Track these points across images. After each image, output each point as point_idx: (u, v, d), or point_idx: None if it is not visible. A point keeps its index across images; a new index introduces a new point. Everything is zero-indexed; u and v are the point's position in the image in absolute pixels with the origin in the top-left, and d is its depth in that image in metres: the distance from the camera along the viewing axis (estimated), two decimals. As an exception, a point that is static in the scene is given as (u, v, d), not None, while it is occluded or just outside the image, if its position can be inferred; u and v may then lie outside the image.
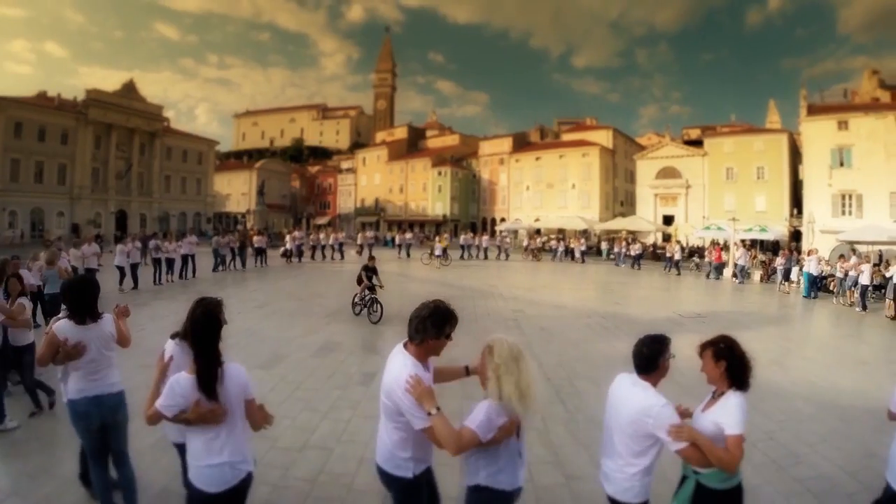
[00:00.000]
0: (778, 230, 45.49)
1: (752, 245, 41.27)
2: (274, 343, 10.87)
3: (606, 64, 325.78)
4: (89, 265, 17.17)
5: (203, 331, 3.25)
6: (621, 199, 70.51)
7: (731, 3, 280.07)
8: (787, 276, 24.65)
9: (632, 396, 3.23)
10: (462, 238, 41.11)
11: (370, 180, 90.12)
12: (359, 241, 38.44)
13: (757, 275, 28.42)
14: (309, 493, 5.05)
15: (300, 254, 32.38)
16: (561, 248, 40.18)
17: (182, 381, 3.14)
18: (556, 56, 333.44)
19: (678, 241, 40.00)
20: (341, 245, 35.56)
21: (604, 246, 43.53)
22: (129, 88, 63.87)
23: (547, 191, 70.63)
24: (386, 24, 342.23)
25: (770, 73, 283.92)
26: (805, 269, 22.35)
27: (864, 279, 18.76)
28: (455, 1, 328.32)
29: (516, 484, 3.14)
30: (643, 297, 20.99)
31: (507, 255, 39.40)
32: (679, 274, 30.54)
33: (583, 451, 6.09)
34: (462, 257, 36.58)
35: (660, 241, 47.52)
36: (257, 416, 3.39)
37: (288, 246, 31.49)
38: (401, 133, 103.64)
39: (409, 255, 36.62)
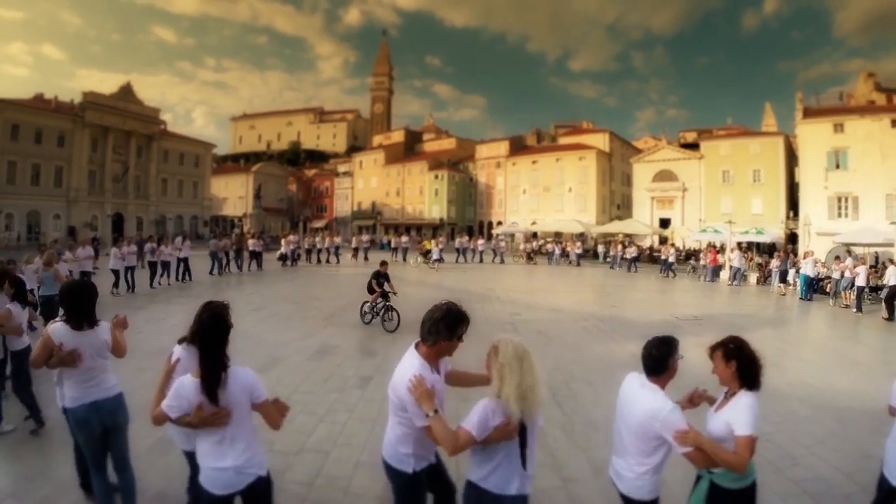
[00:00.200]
0: (774, 233, 45.70)
1: (749, 247, 41.39)
2: (270, 346, 10.84)
3: (603, 67, 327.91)
4: (84, 268, 17.15)
5: (209, 334, 3.27)
6: (618, 203, 70.66)
7: (727, 6, 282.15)
8: (783, 279, 24.69)
9: (640, 398, 3.25)
10: (458, 241, 41.11)
11: (367, 184, 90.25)
12: (353, 245, 38.28)
13: (753, 277, 28.46)
14: (305, 497, 5.03)
15: (296, 258, 32.24)
16: (557, 252, 40.17)
17: (186, 384, 3.17)
18: (552, 60, 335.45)
19: (673, 244, 40.01)
20: (337, 248, 35.47)
21: (600, 249, 43.56)
22: (126, 91, 63.93)
23: (544, 194, 70.74)
24: (383, 28, 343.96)
25: (766, 76, 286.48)
26: (801, 272, 22.37)
27: (861, 281, 18.80)
28: (452, 5, 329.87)
29: (507, 490, 3.03)
30: (640, 300, 21.00)
31: (503, 259, 39.41)
32: (674, 276, 30.54)
33: (580, 454, 6.08)
34: (457, 261, 36.51)
35: (656, 245, 47.52)
36: (273, 414, 3.40)
37: (283, 250, 31.37)
38: (398, 137, 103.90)
39: (405, 258, 36.54)
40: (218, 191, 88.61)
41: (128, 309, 15.22)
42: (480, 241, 41.72)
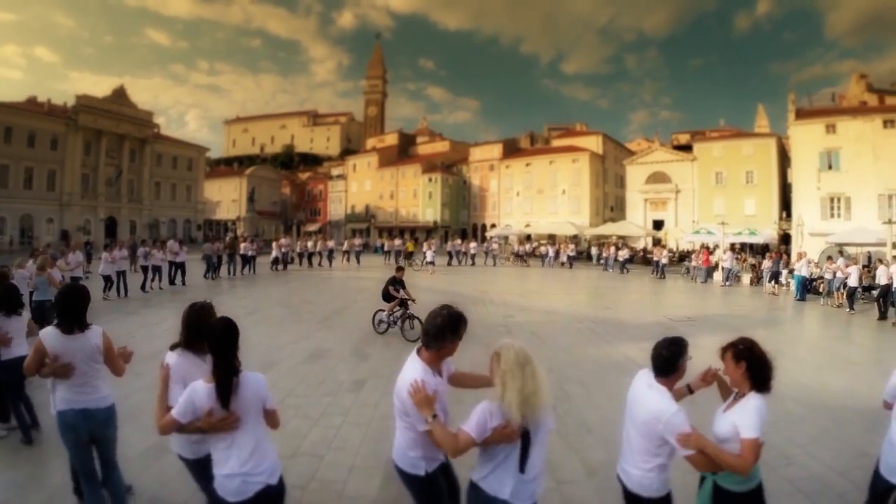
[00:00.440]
0: (767, 233, 45.88)
1: (743, 248, 41.50)
2: (264, 350, 10.81)
3: (596, 70, 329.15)
4: (74, 274, 16.95)
5: (222, 341, 3.27)
6: (611, 205, 70.77)
7: (719, 8, 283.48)
8: (774, 279, 24.78)
9: (647, 399, 3.26)
10: (449, 244, 41.10)
11: (361, 187, 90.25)
12: (345, 248, 38.16)
13: (747, 278, 28.53)
14: (300, 501, 5.01)
15: (288, 261, 32.04)
16: (551, 253, 40.22)
17: (199, 390, 3.19)
18: (546, 62, 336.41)
19: (664, 246, 40.10)
20: (331, 252, 35.39)
21: (594, 251, 43.64)
22: (120, 94, 63.90)
23: (537, 196, 70.84)
24: (377, 31, 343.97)
25: (758, 77, 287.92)
26: (796, 273, 22.47)
27: (853, 281, 18.90)
28: (445, 7, 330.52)
29: (500, 494, 3.01)
30: (633, 302, 21.04)
31: (496, 262, 39.48)
32: (663, 278, 30.60)
33: (574, 456, 6.07)
34: (449, 264, 36.51)
35: (650, 246, 47.63)
36: (273, 422, 3.51)
37: (275, 253, 31.21)
38: (391, 140, 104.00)
39: (398, 261, 36.42)
40: (211, 194, 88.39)
41: (120, 313, 15.20)
42: (472, 244, 41.72)
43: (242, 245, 28.92)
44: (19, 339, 6.28)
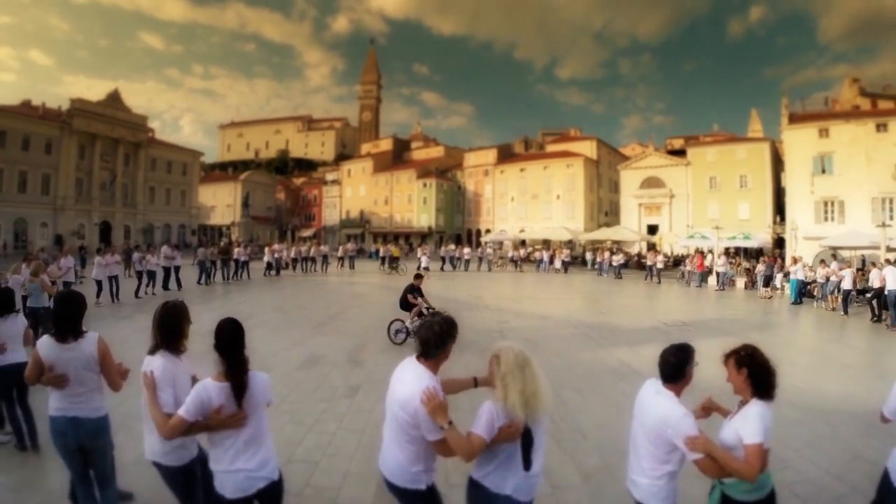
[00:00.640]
0: (761, 237, 46.00)
1: (737, 253, 41.62)
2: (259, 356, 10.68)
3: (590, 75, 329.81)
4: (66, 279, 16.63)
5: (233, 341, 3.37)
6: (606, 210, 70.94)
7: (713, 13, 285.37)
8: (767, 283, 24.87)
9: (655, 405, 3.27)
10: (443, 250, 41.13)
11: (355, 192, 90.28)
12: (339, 254, 38.12)
13: (741, 282, 28.62)
14: (294, 507, 4.99)
15: (282, 267, 31.89)
16: (545, 259, 40.30)
17: (210, 388, 3.25)
18: (540, 67, 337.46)
19: (658, 251, 40.23)
20: (325, 257, 35.34)
21: (588, 256, 43.73)
22: (114, 98, 63.93)
23: (532, 202, 71.02)
24: (371, 36, 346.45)
25: (752, 82, 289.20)
26: (792, 277, 22.56)
27: (847, 284, 18.95)
28: (440, 13, 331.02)
29: (503, 490, 3.10)
30: (627, 307, 21.08)
31: (490, 267, 39.54)
32: (659, 282, 30.73)
33: (568, 461, 6.06)
34: (443, 269, 36.52)
35: (644, 251, 47.73)
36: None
37: (267, 259, 31.09)
38: (386, 145, 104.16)
39: (401, 267, 36.34)
40: (206, 199, 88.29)
41: (114, 318, 15.15)
42: (466, 250, 41.81)
43: (236, 250, 28.88)
44: (15, 345, 6.11)
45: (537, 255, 42.80)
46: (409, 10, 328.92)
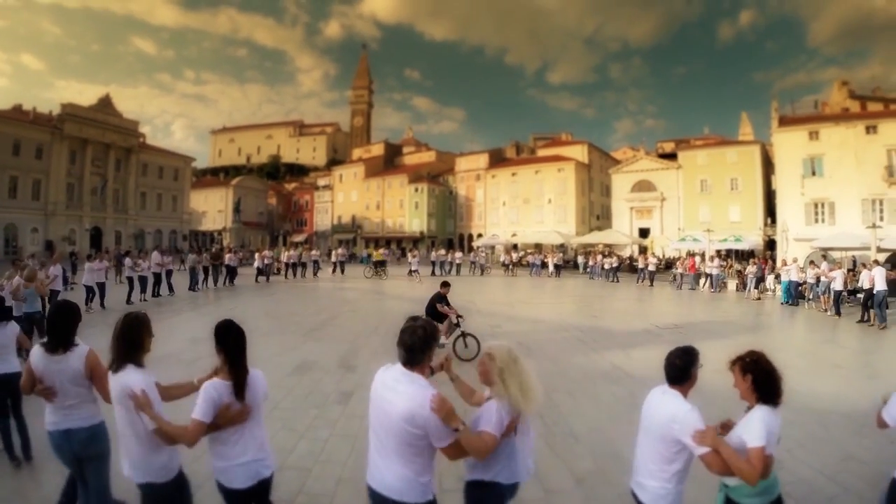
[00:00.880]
0: (752, 240, 46.27)
1: (728, 255, 41.80)
2: (250, 362, 10.69)
3: (581, 79, 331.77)
4: (53, 287, 16.06)
5: (238, 341, 3.61)
6: (597, 213, 71.12)
7: (703, 18, 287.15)
8: (757, 285, 24.98)
9: (662, 404, 3.31)
10: (433, 254, 41.15)
11: (347, 197, 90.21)
12: (333, 259, 38.07)
13: (732, 284, 28.72)
14: (286, 514, 4.96)
15: (268, 273, 31.70)
16: (537, 262, 40.38)
17: (219, 387, 3.42)
18: (531, 72, 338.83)
19: (653, 254, 40.36)
20: (316, 263, 35.27)
21: (580, 260, 43.82)
22: (105, 103, 63.71)
23: (523, 206, 71.14)
24: (363, 41, 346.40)
25: (742, 86, 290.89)
26: (784, 279, 22.67)
27: (838, 285, 19.05)
28: (431, 18, 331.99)
29: (513, 479, 3.28)
30: (620, 310, 21.09)
31: (483, 271, 39.56)
32: (651, 285, 30.86)
33: (561, 465, 6.06)
34: (433, 273, 36.54)
35: (636, 254, 47.86)
36: None
37: (257, 264, 30.96)
38: (377, 150, 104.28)
39: (385, 272, 36.25)
40: (197, 205, 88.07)
41: (105, 325, 15.02)
42: (458, 254, 41.89)
43: (227, 256, 28.81)
44: (7, 355, 5.98)
45: (530, 258, 42.85)
46: (400, 16, 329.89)
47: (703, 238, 37.46)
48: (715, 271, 28.41)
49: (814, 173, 43.73)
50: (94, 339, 4.58)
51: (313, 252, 37.60)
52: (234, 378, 3.48)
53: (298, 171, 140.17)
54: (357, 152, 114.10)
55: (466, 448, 3.02)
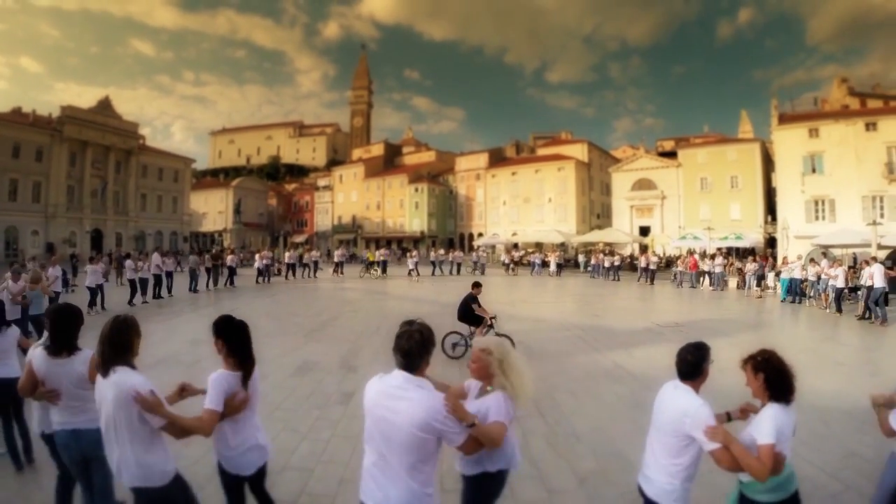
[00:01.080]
0: (753, 237, 46.25)
1: (729, 253, 41.81)
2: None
3: (581, 78, 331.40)
4: (53, 288, 16.14)
5: (244, 333, 3.81)
6: (598, 212, 71.08)
7: (702, 16, 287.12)
8: (758, 283, 24.98)
9: (674, 399, 3.34)
10: (433, 254, 41.17)
11: (347, 197, 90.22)
12: (336, 259, 38.08)
13: (733, 282, 28.72)
14: (289, 515, 4.96)
15: (269, 274, 31.67)
16: (538, 261, 40.40)
17: (229, 378, 3.60)
18: (530, 71, 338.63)
19: (653, 252, 40.37)
20: (315, 263, 35.26)
21: (581, 258, 43.82)
22: (105, 105, 63.72)
23: (524, 205, 71.13)
24: (362, 42, 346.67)
25: (742, 83, 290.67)
26: (784, 276, 22.69)
27: (839, 282, 19.04)
28: (430, 18, 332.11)
29: (515, 466, 3.53)
30: (621, 309, 21.07)
31: (483, 270, 39.54)
32: (652, 284, 30.91)
33: (564, 465, 6.05)
34: (433, 273, 36.65)
35: (637, 252, 47.89)
36: None
37: (258, 265, 30.94)
38: (377, 150, 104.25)
39: (385, 271, 36.29)
40: (197, 206, 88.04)
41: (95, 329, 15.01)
42: (458, 254, 41.96)
43: (229, 257, 28.82)
44: (8, 360, 5.94)
45: (532, 257, 42.81)
46: (399, 16, 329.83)
47: (704, 236, 37.48)
48: (718, 269, 28.41)
49: (814, 170, 43.68)
50: (95, 341, 4.55)
51: (312, 253, 37.62)
52: (244, 367, 3.68)
53: (298, 171, 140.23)
54: (357, 152, 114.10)
55: (484, 440, 3.05)
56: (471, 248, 59.37)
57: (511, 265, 40.62)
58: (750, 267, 26.30)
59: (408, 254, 38.64)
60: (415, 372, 3.01)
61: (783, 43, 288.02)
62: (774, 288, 24.98)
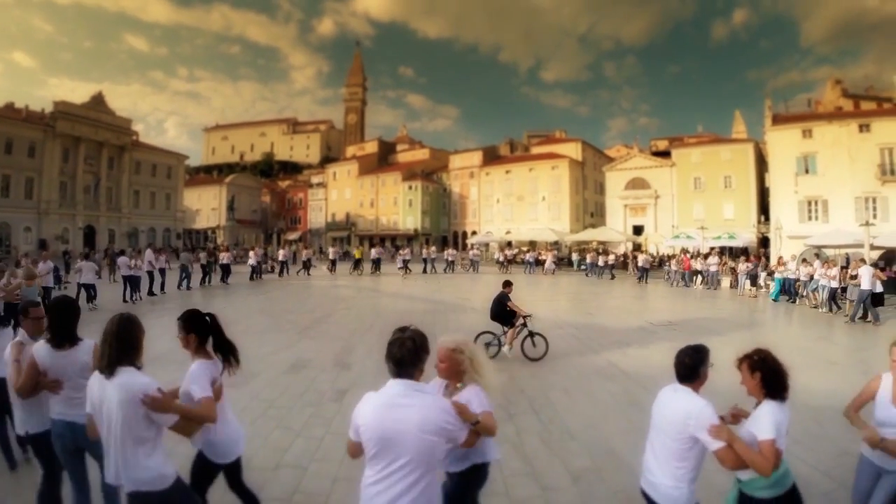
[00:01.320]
0: (746, 237, 46.44)
1: (722, 252, 41.97)
2: (245, 360, 10.54)
3: (575, 77, 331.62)
4: (45, 283, 16.09)
5: (216, 324, 3.97)
6: (591, 211, 71.18)
7: (697, 16, 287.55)
8: (753, 282, 25.05)
9: (675, 401, 3.34)
10: (424, 252, 41.21)
11: (341, 195, 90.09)
12: (331, 256, 38.05)
13: (726, 281, 28.83)
14: (282, 513, 4.95)
15: (266, 270, 31.62)
16: (531, 260, 40.45)
17: (210, 366, 3.74)
18: (525, 70, 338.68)
19: (645, 251, 40.49)
20: (309, 261, 35.14)
21: (575, 257, 43.87)
22: (98, 101, 63.28)
23: (517, 203, 71.13)
24: (356, 39, 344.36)
25: (736, 84, 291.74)
26: (779, 276, 22.76)
27: (836, 282, 19.12)
28: (425, 15, 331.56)
29: (494, 454, 3.70)
30: (615, 307, 21.13)
31: (477, 268, 39.50)
32: (646, 282, 31.15)
33: (558, 462, 6.06)
34: (424, 271, 36.70)
35: (630, 251, 47.98)
36: None
37: (252, 262, 30.85)
38: (371, 147, 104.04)
39: (379, 269, 36.29)
40: (191, 203, 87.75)
41: (99, 324, 14.96)
42: (451, 251, 42.01)
43: (224, 254, 28.71)
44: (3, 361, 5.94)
45: (528, 256, 42.83)
46: (394, 13, 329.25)
47: (697, 235, 37.57)
48: (713, 269, 28.53)
49: (807, 171, 43.83)
50: (92, 336, 4.53)
51: (305, 251, 37.55)
52: (225, 355, 3.86)
53: (292, 168, 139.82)
54: (351, 150, 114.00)
55: (485, 431, 3.16)
56: (464, 247, 59.35)
57: (505, 263, 40.65)
58: (742, 267, 26.39)
59: (400, 251, 38.65)
60: (414, 375, 2.95)
61: (777, 44, 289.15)
62: (767, 287, 25.09)
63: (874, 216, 37.19)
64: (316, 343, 12.84)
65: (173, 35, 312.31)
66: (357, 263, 36.21)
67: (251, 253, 32.06)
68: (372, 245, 54.32)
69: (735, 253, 43.32)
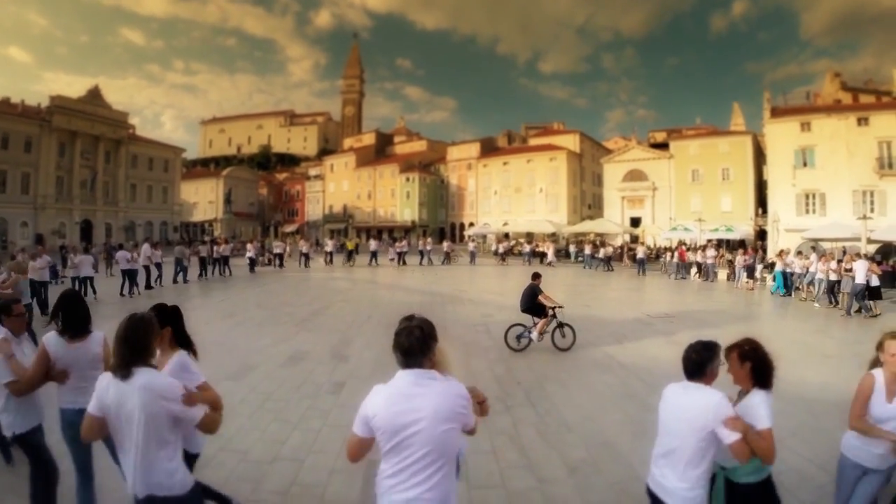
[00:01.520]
0: (743, 230, 46.46)
1: (719, 245, 42.01)
2: (243, 353, 10.69)
3: (573, 69, 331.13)
4: (41, 278, 15.84)
5: (180, 317, 4.10)
6: (589, 202, 71.15)
7: (696, 8, 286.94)
8: (750, 275, 25.07)
9: (688, 398, 3.24)
10: (420, 244, 41.16)
11: (338, 187, 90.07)
12: (328, 249, 38.00)
13: (723, 273, 28.86)
14: (280, 505, 4.96)
15: (263, 262, 31.61)
16: (528, 252, 40.46)
17: (189, 359, 3.82)
18: (523, 61, 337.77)
19: (642, 242, 40.52)
20: (308, 253, 35.04)
21: (572, 249, 43.88)
22: (94, 95, 63.13)
23: (515, 195, 71.12)
24: (354, 30, 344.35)
25: (734, 76, 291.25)
26: (779, 269, 22.75)
27: (833, 275, 19.14)
28: (423, 7, 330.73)
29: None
30: (612, 299, 21.12)
31: (475, 260, 39.45)
32: (644, 274, 31.20)
33: (554, 454, 6.07)
34: (421, 263, 36.75)
35: (629, 242, 47.99)
36: None
37: (250, 255, 30.85)
38: (369, 139, 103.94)
39: (376, 261, 36.20)
40: (188, 196, 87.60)
41: (98, 318, 14.94)
42: (446, 244, 42.11)
43: (222, 247, 28.64)
44: None
45: (527, 247, 42.78)
46: (392, 4, 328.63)
47: (695, 228, 37.59)
48: (710, 261, 28.57)
49: (805, 164, 43.76)
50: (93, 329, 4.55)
51: (302, 243, 37.50)
52: (189, 347, 3.95)
53: (289, 161, 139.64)
54: (348, 142, 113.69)
55: (484, 414, 3.17)
56: (461, 238, 59.28)
57: (502, 255, 40.66)
58: (740, 259, 26.40)
59: (396, 243, 38.73)
60: (424, 363, 2.85)
61: (776, 36, 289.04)
62: (764, 280, 25.12)
63: (872, 210, 37.18)
64: (313, 335, 12.83)
65: (169, 28, 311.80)
66: (350, 255, 36.35)
67: (249, 246, 32.07)
68: (370, 237, 54.19)
69: (732, 245, 43.39)
